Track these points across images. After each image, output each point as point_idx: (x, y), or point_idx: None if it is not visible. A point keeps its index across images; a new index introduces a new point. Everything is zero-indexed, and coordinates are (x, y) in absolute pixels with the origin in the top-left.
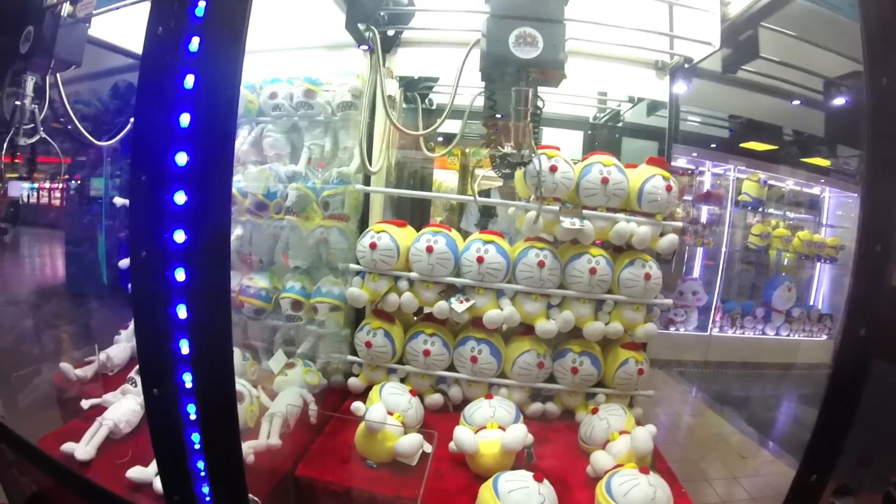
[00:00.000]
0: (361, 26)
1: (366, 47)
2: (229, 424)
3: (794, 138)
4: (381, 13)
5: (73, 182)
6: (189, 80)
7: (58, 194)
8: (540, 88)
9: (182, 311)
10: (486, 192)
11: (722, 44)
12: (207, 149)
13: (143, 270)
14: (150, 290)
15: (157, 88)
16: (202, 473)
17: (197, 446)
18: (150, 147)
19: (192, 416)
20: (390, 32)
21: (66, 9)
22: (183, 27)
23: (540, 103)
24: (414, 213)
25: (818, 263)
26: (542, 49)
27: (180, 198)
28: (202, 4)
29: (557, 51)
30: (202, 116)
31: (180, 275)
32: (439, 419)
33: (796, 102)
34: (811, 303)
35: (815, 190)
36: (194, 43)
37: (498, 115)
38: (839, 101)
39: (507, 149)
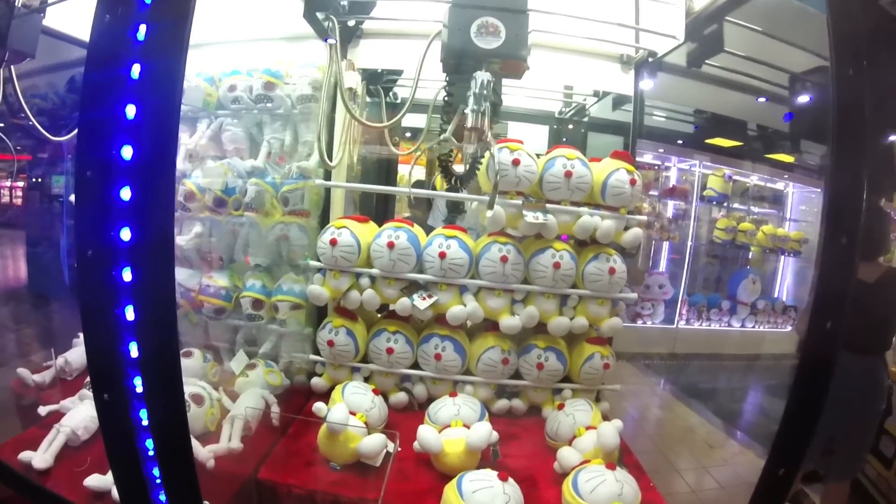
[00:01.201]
0: (320, 15)
1: (333, 41)
2: (179, 429)
3: (759, 134)
4: (342, 2)
5: (32, 180)
6: (135, 70)
7: (18, 193)
8: (504, 82)
9: (130, 313)
10: (454, 188)
11: (686, 37)
12: (153, 141)
13: (90, 270)
14: (97, 291)
15: (103, 78)
16: (157, 480)
17: (151, 452)
18: (95, 140)
19: (145, 422)
20: (351, 23)
21: None
22: (130, 14)
23: (499, 99)
24: (378, 209)
25: (782, 256)
26: (504, 39)
27: (126, 193)
28: None
29: (521, 41)
30: (148, 107)
31: (127, 275)
32: (404, 418)
33: (762, 99)
34: (776, 295)
35: (779, 185)
36: (141, 31)
37: (465, 110)
38: (804, 98)
39: (466, 148)
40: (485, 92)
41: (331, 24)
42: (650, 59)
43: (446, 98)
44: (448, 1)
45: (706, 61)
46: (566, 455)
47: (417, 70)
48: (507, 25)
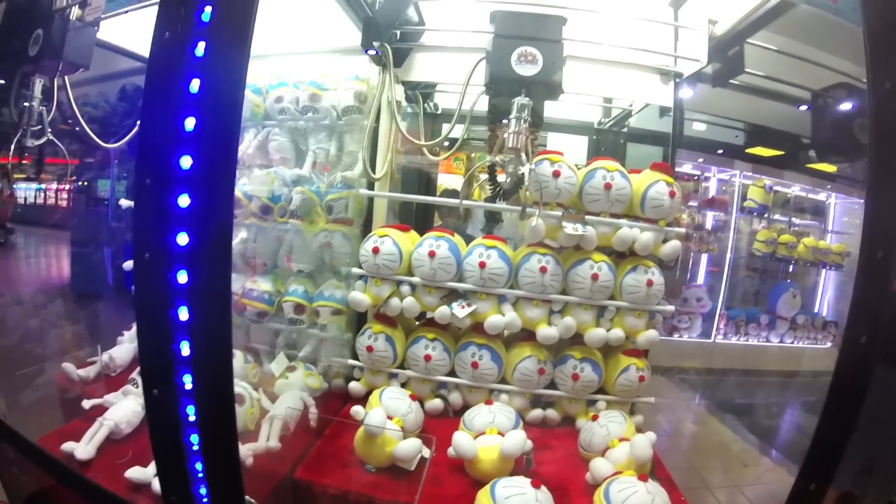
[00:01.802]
0: (376, 44)
1: (373, 52)
2: (228, 426)
3: (801, 144)
4: (395, 32)
5: (80, 183)
6: (195, 85)
7: (65, 195)
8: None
9: (183, 313)
10: (491, 198)
11: (710, 59)
12: (211, 152)
13: (146, 272)
14: (153, 292)
15: (162, 92)
16: (200, 475)
17: (195, 447)
18: (155, 150)
19: (192, 418)
20: (401, 50)
21: (75, 12)
22: (189, 31)
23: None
24: (418, 218)
25: (823, 270)
26: (542, 66)
27: (184, 201)
28: (208, 9)
29: (556, 68)
30: (207, 120)
31: (182, 277)
32: (439, 424)
33: (803, 108)
34: (816, 310)
35: (821, 196)
36: (200, 47)
37: (504, 121)
38: (845, 107)
39: (500, 177)
40: (523, 115)
41: (385, 51)
42: (676, 80)
43: (489, 120)
44: (490, 32)
45: (731, 79)
46: (599, 465)
47: (462, 92)
48: (545, 53)
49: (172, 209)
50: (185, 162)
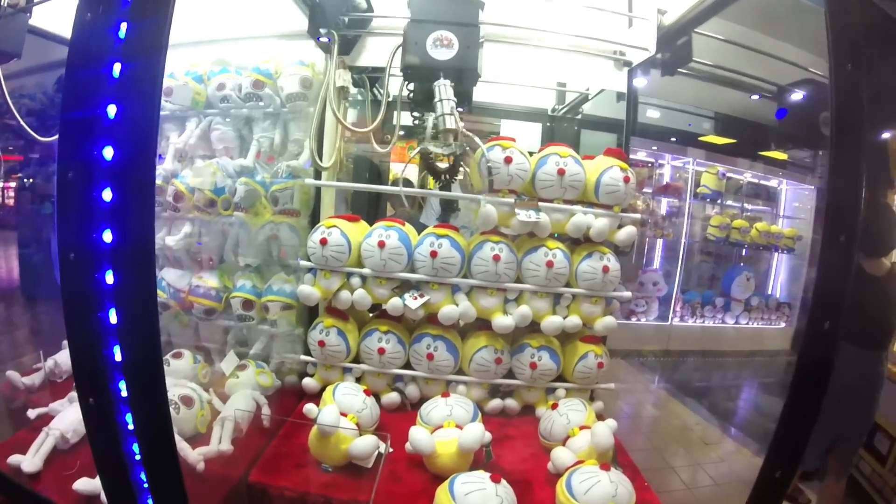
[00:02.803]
0: (322, 31)
1: (324, 39)
2: (165, 433)
3: (753, 131)
4: (343, 18)
5: (24, 181)
6: (116, 69)
7: (10, 194)
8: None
9: (113, 316)
10: (446, 185)
11: (658, 48)
12: (134, 142)
13: (73, 273)
14: (81, 294)
15: (84, 79)
16: (145, 485)
17: (137, 457)
18: (77, 142)
19: (130, 426)
20: (350, 36)
21: None
22: (112, 13)
23: (461, 108)
24: (370, 208)
25: (776, 253)
26: (457, 51)
27: (107, 195)
28: None
29: (472, 52)
30: (128, 108)
31: (109, 277)
32: (397, 419)
33: (755, 97)
34: (769, 292)
35: (773, 182)
36: (122, 29)
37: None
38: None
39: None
40: (447, 97)
41: (332, 38)
42: (629, 68)
43: (412, 106)
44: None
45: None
46: (560, 455)
47: (386, 75)
48: (460, 38)
49: (97, 204)
50: (108, 153)
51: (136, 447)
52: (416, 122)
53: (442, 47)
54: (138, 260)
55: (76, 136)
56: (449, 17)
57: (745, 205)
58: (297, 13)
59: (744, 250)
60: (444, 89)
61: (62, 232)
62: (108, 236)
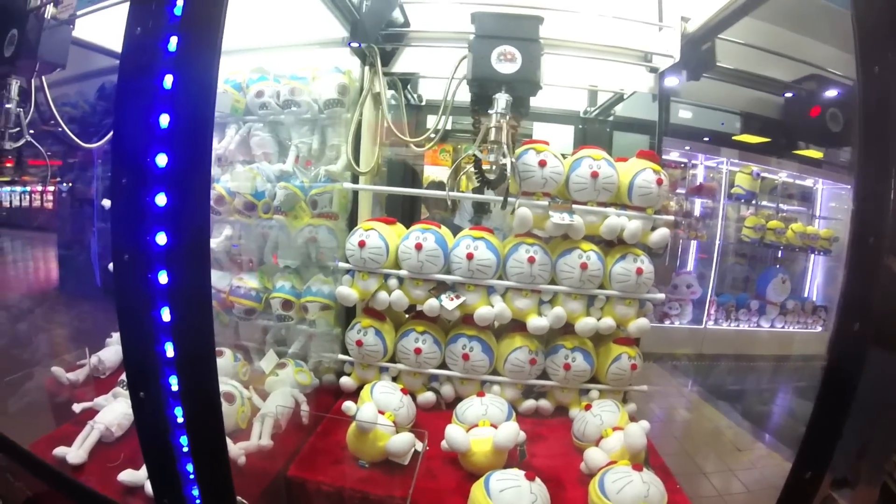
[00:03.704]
0: (363, 45)
1: (356, 44)
2: (215, 427)
3: (787, 130)
4: (380, 32)
5: (64, 185)
6: (168, 81)
7: (49, 197)
8: None
9: (166, 314)
10: (478, 189)
11: (682, 55)
12: (187, 149)
13: (126, 274)
14: (134, 294)
15: (136, 89)
16: (191, 476)
17: (185, 449)
18: (130, 149)
19: (180, 419)
20: (388, 49)
21: (50, 11)
22: (161, 27)
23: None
24: (405, 211)
25: (812, 255)
26: (521, 65)
27: (161, 199)
28: (180, 3)
29: (534, 66)
30: (181, 117)
31: (163, 277)
32: (432, 417)
33: (788, 95)
34: (805, 294)
35: (809, 182)
36: (172, 42)
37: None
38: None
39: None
40: (504, 110)
41: (371, 53)
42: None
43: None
44: (471, 32)
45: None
46: (593, 455)
47: (447, 86)
48: (523, 52)
49: (150, 208)
50: (161, 160)
51: (183, 439)
52: (475, 126)
53: (506, 61)
54: (194, 260)
55: (129, 145)
56: (512, 33)
57: (781, 205)
58: (332, 20)
59: (779, 252)
60: (500, 102)
61: (116, 234)
62: (161, 238)
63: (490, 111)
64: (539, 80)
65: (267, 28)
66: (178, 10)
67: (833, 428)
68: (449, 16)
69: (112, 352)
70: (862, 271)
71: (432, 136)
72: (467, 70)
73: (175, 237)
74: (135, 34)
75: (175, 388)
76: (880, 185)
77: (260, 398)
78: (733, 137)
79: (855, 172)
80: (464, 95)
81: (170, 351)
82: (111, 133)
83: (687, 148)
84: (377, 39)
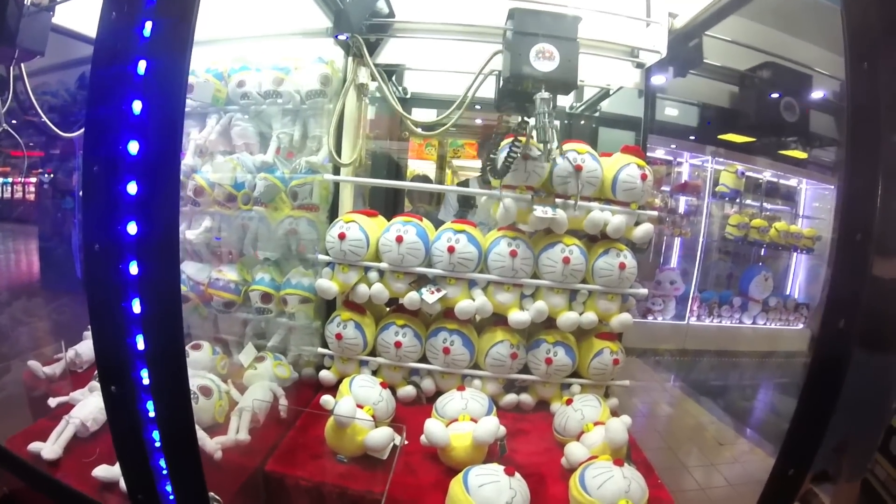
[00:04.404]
0: (347, 36)
1: (343, 37)
2: (185, 421)
3: (772, 130)
4: (365, 22)
5: (45, 176)
6: (141, 66)
7: (31, 188)
8: None
9: (136, 306)
10: (464, 183)
11: (669, 51)
12: (159, 137)
13: (97, 264)
14: (105, 285)
15: (110, 75)
16: (164, 472)
17: (157, 444)
18: (102, 136)
19: (151, 414)
20: (372, 40)
21: None
22: (137, 11)
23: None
24: (388, 204)
25: (795, 253)
26: (559, 63)
27: (132, 188)
28: None
29: (572, 65)
30: (154, 104)
31: (134, 268)
32: (412, 412)
33: (774, 95)
34: (787, 292)
35: (792, 181)
36: (147, 27)
37: (526, 119)
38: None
39: (534, 152)
40: (547, 109)
41: (356, 43)
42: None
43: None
44: (468, 24)
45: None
46: (574, 450)
47: (476, 76)
48: (561, 51)
49: (122, 197)
50: (133, 148)
51: (156, 434)
52: (522, 124)
53: (544, 59)
54: (162, 251)
55: (101, 132)
56: (551, 31)
57: (765, 204)
58: (315, 9)
59: (762, 250)
60: (544, 101)
61: (87, 223)
62: (132, 228)
63: (534, 112)
64: (576, 79)
65: (249, 17)
66: None
67: (817, 425)
68: (434, 6)
69: (89, 345)
70: (848, 269)
71: (406, 133)
72: (503, 67)
73: (146, 226)
74: (110, 18)
75: (146, 381)
76: (868, 181)
77: (238, 392)
78: (718, 136)
79: (843, 168)
80: (452, 88)
81: (140, 343)
82: None
83: (672, 146)
84: (361, 30)
